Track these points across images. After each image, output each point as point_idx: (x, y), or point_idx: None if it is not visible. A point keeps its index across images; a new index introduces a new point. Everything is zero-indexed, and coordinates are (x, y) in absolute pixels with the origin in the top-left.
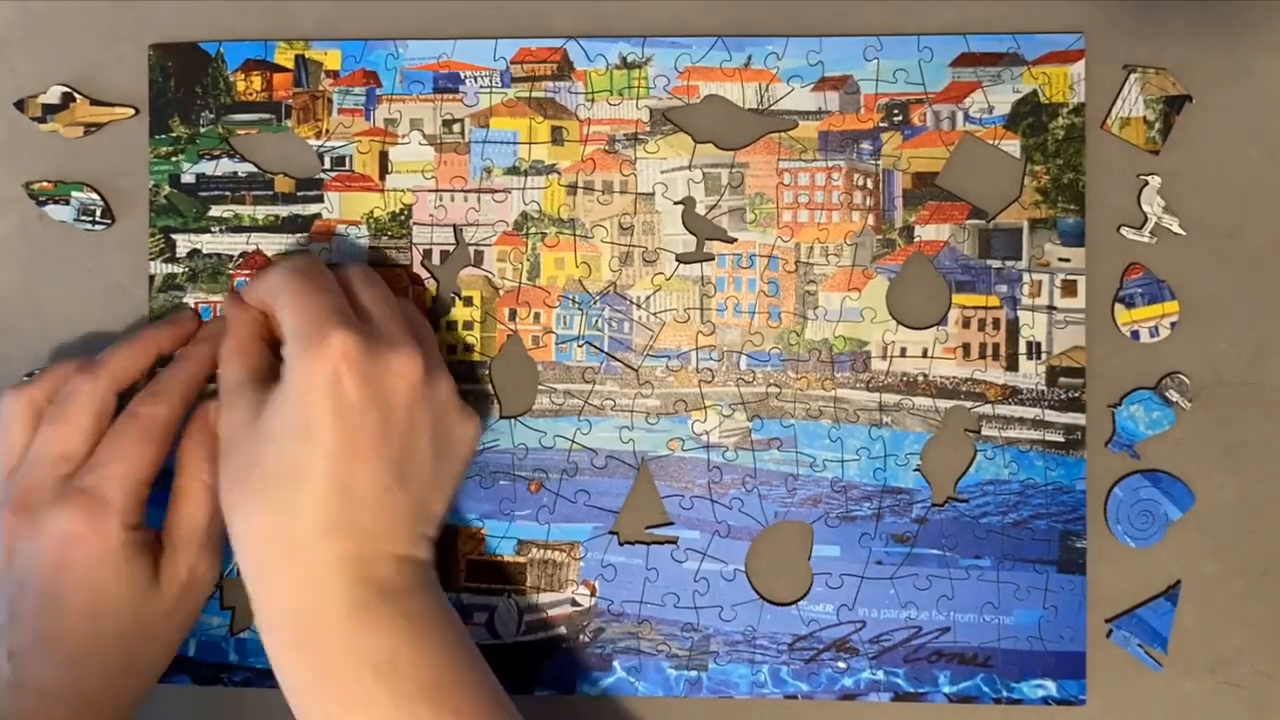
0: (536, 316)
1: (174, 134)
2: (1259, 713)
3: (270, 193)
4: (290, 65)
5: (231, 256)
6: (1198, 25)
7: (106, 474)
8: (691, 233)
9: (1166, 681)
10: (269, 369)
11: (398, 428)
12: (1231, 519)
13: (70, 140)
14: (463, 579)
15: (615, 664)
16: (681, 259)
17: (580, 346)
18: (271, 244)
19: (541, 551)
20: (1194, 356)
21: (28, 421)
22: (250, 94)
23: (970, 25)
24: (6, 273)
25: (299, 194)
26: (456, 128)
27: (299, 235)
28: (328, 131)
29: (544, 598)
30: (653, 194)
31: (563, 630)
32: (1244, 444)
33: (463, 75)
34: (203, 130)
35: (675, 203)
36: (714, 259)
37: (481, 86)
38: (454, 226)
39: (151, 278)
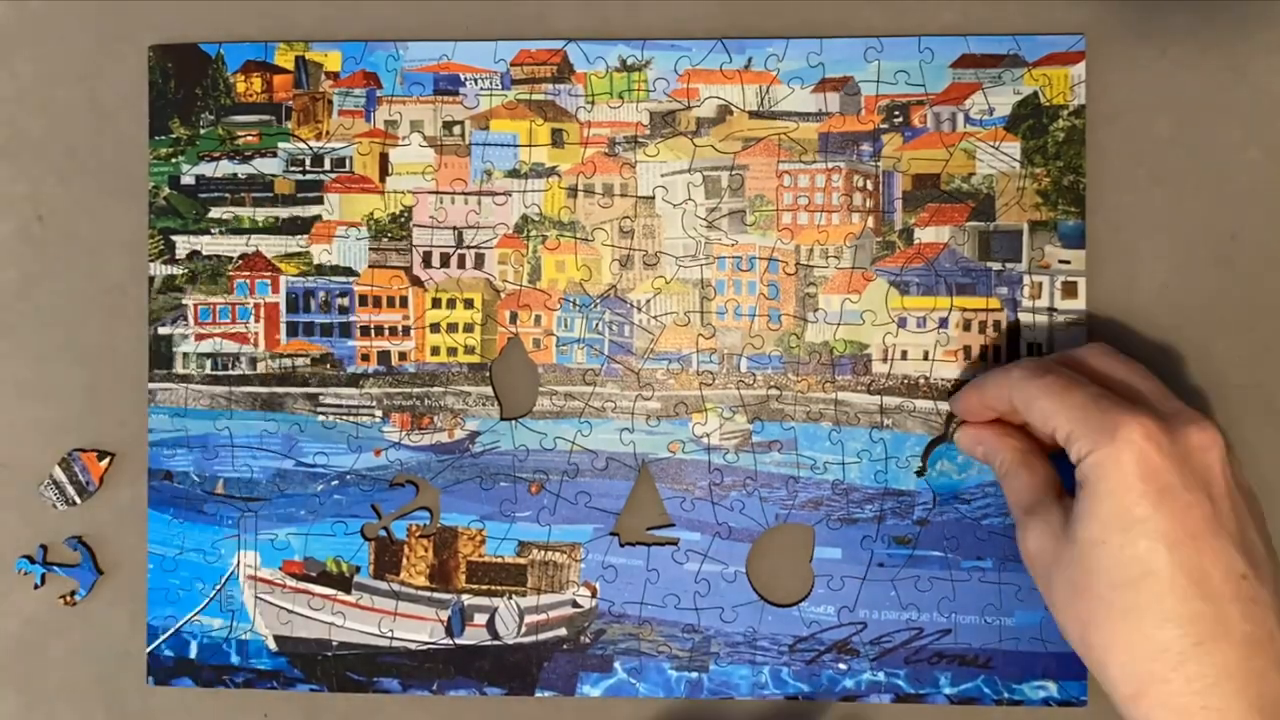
0: (537, 319)
1: (174, 135)
2: None
3: (270, 194)
4: (290, 67)
5: (231, 258)
6: (1198, 25)
7: None
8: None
9: None
10: (1054, 478)
11: (1224, 505)
12: None
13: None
14: (463, 580)
15: (616, 665)
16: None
17: (581, 349)
18: (271, 246)
19: (542, 553)
20: (1194, 358)
21: None
22: (250, 95)
23: (971, 26)
24: (6, 273)
25: (299, 195)
26: (457, 130)
27: (299, 237)
28: (328, 133)
29: (545, 599)
30: (653, 197)
31: (563, 631)
32: (1244, 445)
33: (463, 77)
34: (203, 132)
35: (675, 205)
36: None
37: (482, 89)
38: (454, 229)
39: (151, 279)
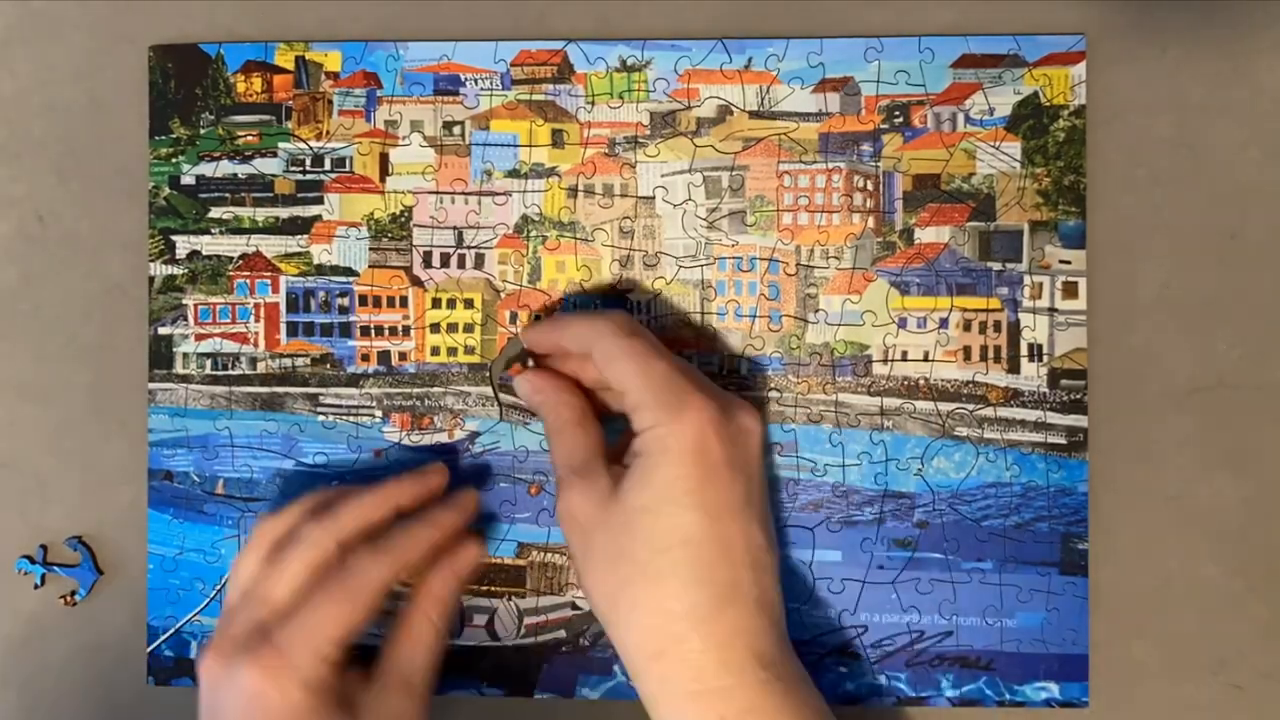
0: (537, 319)
1: (174, 135)
2: (1260, 714)
3: (270, 194)
4: (290, 67)
5: (231, 258)
6: (1198, 25)
7: (296, 628)
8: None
9: (1168, 683)
10: (603, 443)
11: (756, 485)
12: (1232, 520)
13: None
14: None
15: (615, 668)
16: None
17: None
18: (271, 246)
19: (541, 554)
20: (1194, 358)
21: (262, 556)
22: (250, 95)
23: (971, 26)
24: (6, 273)
25: (299, 195)
26: (457, 130)
27: (299, 237)
28: (328, 133)
29: (544, 600)
30: (653, 198)
31: (562, 633)
32: (1244, 445)
33: (463, 77)
34: (203, 132)
35: (675, 206)
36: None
37: (482, 89)
38: (454, 229)
39: (151, 279)
